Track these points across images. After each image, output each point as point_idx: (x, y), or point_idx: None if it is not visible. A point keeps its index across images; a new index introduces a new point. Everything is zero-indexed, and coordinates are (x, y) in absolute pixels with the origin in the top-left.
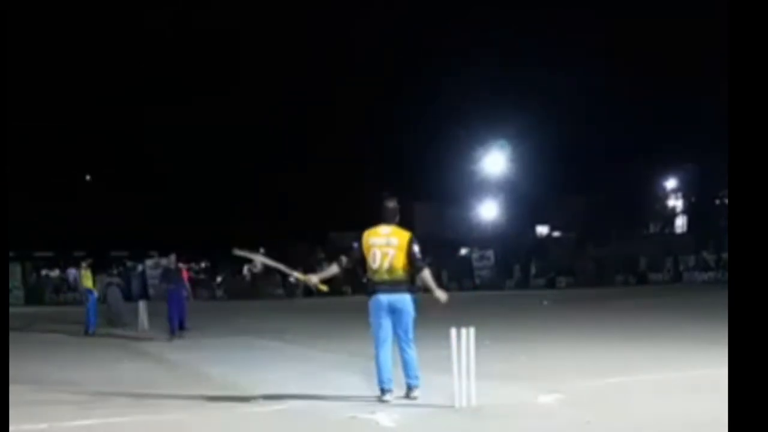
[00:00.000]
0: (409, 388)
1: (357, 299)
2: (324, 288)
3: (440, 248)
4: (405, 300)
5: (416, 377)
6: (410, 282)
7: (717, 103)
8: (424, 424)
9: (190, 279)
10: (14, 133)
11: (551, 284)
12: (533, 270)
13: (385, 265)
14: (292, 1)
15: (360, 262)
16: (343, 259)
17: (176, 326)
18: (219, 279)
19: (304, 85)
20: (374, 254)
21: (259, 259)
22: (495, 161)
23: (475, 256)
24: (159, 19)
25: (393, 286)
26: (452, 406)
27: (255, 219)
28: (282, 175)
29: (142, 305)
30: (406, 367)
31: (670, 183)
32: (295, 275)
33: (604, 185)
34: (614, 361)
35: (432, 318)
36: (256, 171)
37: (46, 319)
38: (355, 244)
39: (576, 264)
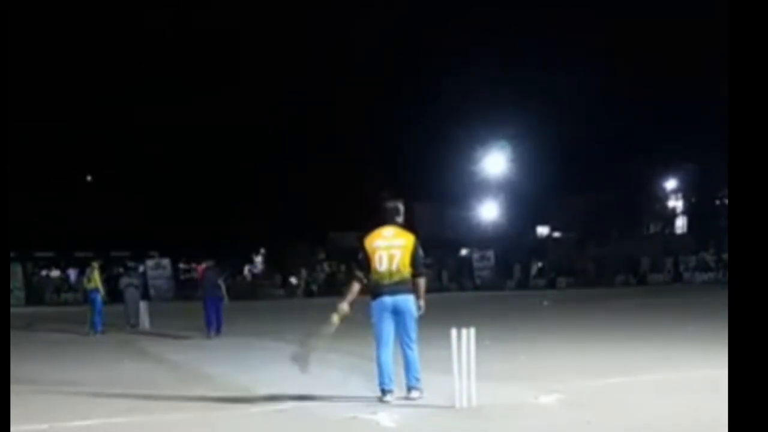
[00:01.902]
0: (409, 389)
1: (357, 300)
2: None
3: (440, 248)
4: (409, 300)
5: (417, 378)
6: (410, 282)
7: (717, 103)
8: (424, 424)
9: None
10: (15, 133)
11: (551, 284)
12: (533, 270)
13: (392, 266)
14: (292, 1)
15: (367, 267)
16: (359, 273)
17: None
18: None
19: (304, 85)
20: (380, 257)
21: (344, 307)
22: (495, 161)
23: (475, 256)
24: (159, 19)
25: (397, 286)
26: (452, 406)
27: (255, 219)
28: (282, 175)
29: (143, 306)
30: (407, 368)
31: (670, 183)
32: (344, 308)
33: (604, 186)
34: (614, 361)
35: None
36: (256, 171)
37: (47, 319)
38: (360, 254)
39: (576, 264)
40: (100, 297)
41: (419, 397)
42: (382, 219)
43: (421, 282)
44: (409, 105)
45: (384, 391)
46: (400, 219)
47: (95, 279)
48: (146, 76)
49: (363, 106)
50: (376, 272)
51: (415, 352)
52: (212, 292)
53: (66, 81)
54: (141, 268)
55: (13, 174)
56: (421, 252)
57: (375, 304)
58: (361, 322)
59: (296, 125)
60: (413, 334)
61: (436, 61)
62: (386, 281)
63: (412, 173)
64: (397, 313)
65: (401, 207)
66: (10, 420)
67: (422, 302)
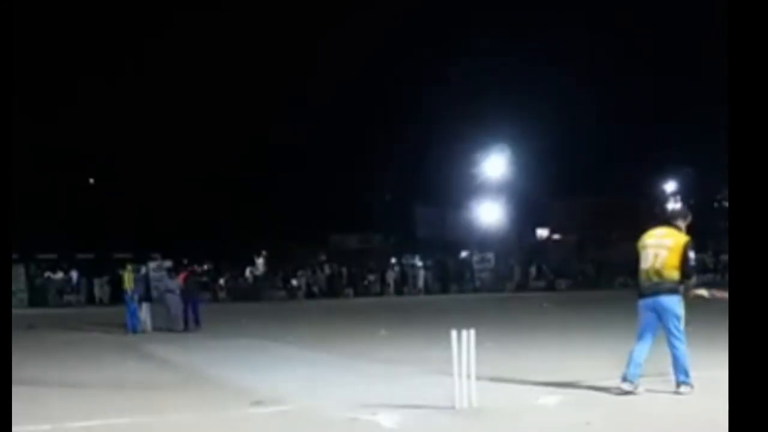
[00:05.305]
0: (678, 384)
1: (358, 302)
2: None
3: (441, 250)
4: (669, 301)
5: (684, 373)
6: (676, 282)
7: (716, 104)
8: (424, 424)
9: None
10: (18, 135)
11: (551, 286)
12: (533, 272)
13: (656, 264)
14: (290, 2)
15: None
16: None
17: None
18: (222, 281)
19: (305, 86)
20: (646, 255)
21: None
22: (495, 164)
23: (475, 258)
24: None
25: (657, 285)
26: (452, 407)
27: (257, 221)
28: (284, 177)
29: (146, 307)
30: (674, 364)
31: (669, 185)
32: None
33: (603, 188)
34: (614, 362)
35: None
36: (257, 173)
37: (50, 320)
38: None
39: (576, 266)
40: (129, 298)
41: (688, 392)
42: (661, 219)
43: (692, 282)
44: (409, 107)
45: (623, 378)
46: (680, 222)
47: (127, 281)
48: (147, 77)
49: (363, 108)
50: (640, 269)
51: (679, 350)
52: (193, 293)
53: (67, 81)
54: (143, 270)
55: (16, 176)
56: (691, 254)
57: (639, 301)
58: (360, 323)
59: (296, 127)
60: (677, 333)
61: (436, 63)
62: (646, 279)
63: (412, 176)
64: (659, 312)
65: (687, 212)
66: (13, 421)
67: (700, 291)
